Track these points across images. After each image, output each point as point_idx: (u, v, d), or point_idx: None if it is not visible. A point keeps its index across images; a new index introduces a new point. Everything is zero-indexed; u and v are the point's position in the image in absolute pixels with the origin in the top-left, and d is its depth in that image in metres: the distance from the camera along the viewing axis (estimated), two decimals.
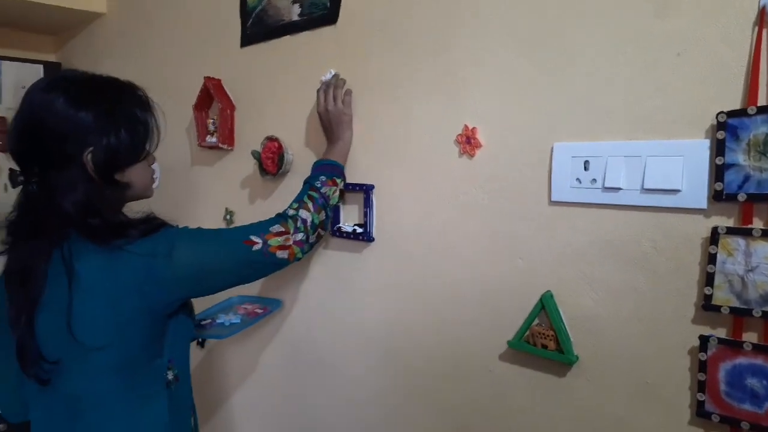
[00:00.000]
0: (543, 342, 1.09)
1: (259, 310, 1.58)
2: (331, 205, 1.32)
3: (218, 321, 1.49)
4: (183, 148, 1.98)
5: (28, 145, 1.02)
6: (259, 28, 1.66)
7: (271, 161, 1.58)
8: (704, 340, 0.91)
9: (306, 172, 1.55)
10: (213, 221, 1.86)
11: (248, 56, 1.71)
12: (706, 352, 0.91)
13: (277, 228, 1.18)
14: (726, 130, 0.87)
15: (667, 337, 0.96)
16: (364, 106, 1.39)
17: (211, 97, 1.78)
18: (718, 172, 0.88)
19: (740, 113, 0.86)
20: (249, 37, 1.69)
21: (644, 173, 0.96)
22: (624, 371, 1.01)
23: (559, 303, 1.08)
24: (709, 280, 0.90)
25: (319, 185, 1.30)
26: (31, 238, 1.01)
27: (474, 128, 1.17)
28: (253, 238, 1.14)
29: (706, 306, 0.90)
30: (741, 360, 0.88)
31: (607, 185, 1.00)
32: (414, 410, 1.35)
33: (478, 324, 1.21)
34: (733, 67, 0.88)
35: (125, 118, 1.05)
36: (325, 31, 1.47)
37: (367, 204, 1.40)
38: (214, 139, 1.77)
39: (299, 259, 1.22)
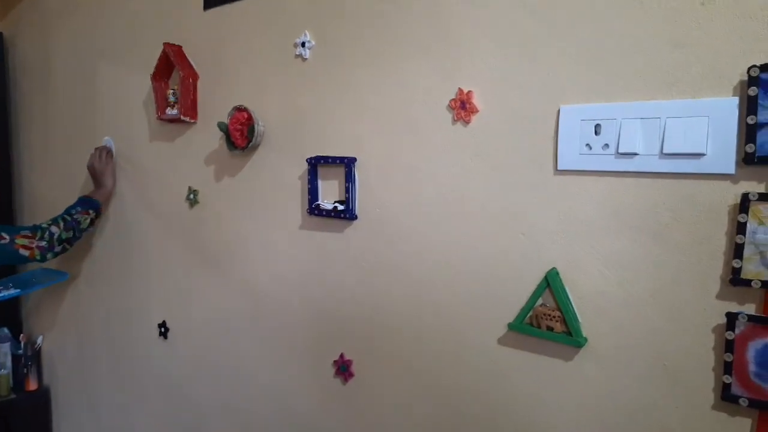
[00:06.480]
0: (548, 323, 1.00)
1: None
2: (81, 228, 1.77)
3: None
4: (140, 123, 1.82)
5: None
6: None
7: (240, 134, 1.45)
8: (732, 317, 0.83)
9: (280, 145, 1.44)
10: (175, 202, 1.71)
11: (212, 19, 1.56)
12: (733, 330, 0.83)
13: (25, 233, 1.66)
14: (759, 85, 0.79)
15: (688, 316, 0.88)
16: (344, 70, 1.27)
17: (172, 66, 1.62)
18: (749, 133, 0.80)
19: None
20: None
21: (663, 136, 0.87)
22: (639, 354, 0.93)
23: (565, 281, 0.99)
24: (737, 252, 0.82)
25: (73, 212, 1.77)
26: None
27: (469, 92, 1.07)
28: (3, 233, 1.60)
29: (735, 280, 0.82)
30: None
31: (621, 151, 0.91)
32: (408, 394, 1.25)
33: (473, 305, 1.11)
34: (763, 16, 0.79)
35: None
36: None
37: (349, 179, 1.28)
38: (175, 112, 1.62)
39: (39, 260, 1.69)
